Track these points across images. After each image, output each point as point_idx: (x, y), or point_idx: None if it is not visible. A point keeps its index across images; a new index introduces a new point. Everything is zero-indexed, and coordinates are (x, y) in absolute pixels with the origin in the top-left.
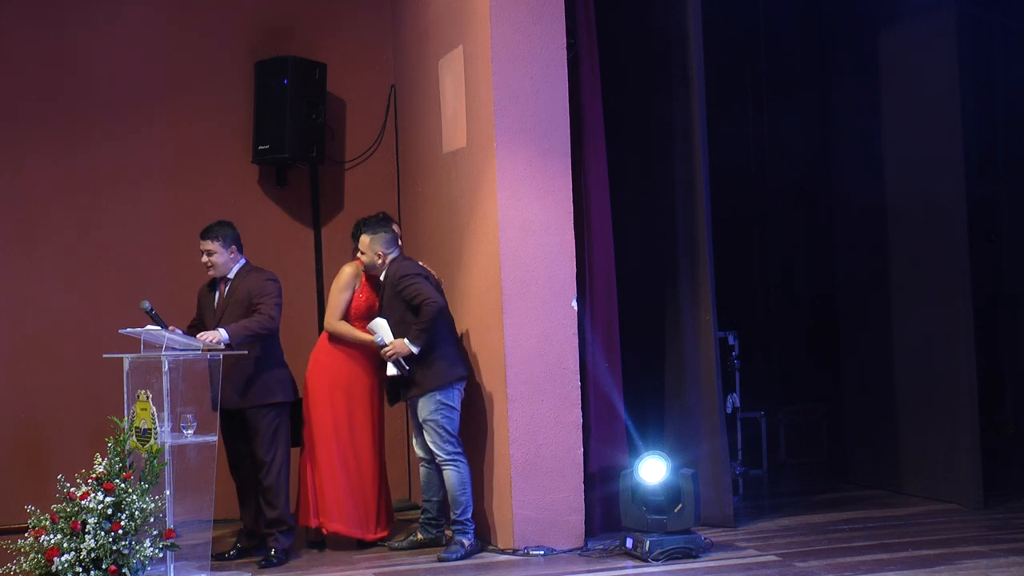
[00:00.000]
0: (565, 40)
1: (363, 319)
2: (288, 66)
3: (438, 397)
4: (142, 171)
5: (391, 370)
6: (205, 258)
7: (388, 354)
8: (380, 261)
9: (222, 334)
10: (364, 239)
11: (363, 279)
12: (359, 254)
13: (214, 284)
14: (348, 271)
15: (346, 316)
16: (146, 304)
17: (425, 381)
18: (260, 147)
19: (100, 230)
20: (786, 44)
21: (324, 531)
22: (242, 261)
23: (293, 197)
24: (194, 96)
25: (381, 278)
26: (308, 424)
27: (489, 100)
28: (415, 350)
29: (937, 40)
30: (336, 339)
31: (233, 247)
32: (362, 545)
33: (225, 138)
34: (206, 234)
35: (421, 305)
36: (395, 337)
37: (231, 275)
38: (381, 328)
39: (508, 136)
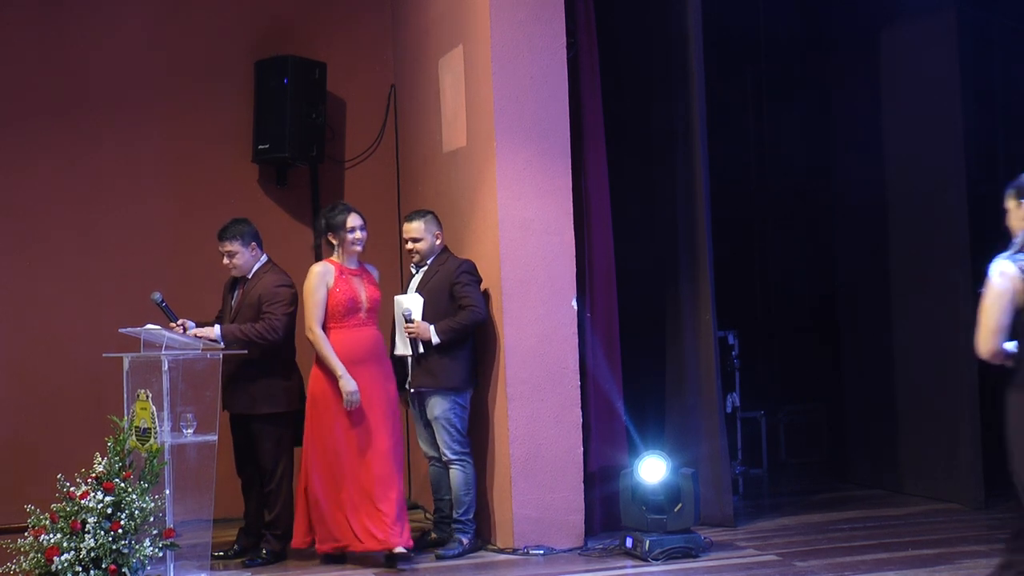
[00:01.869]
0: (565, 40)
1: (345, 316)
2: (288, 66)
3: (453, 396)
4: (142, 170)
5: (400, 349)
6: (227, 260)
7: (409, 331)
8: (439, 241)
9: (214, 332)
10: (416, 225)
11: (336, 274)
12: (412, 243)
13: (235, 282)
14: (316, 270)
15: (326, 317)
16: (157, 295)
17: (446, 378)
18: (260, 146)
19: (100, 229)
20: (786, 44)
21: (337, 552)
22: (263, 259)
23: (293, 196)
24: (194, 95)
25: (428, 262)
26: (313, 438)
27: (489, 100)
28: (436, 341)
29: (937, 40)
30: (332, 343)
31: (253, 244)
32: (391, 560)
33: (225, 137)
34: (224, 234)
35: (467, 308)
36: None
37: (250, 275)
38: (415, 304)
39: (508, 136)
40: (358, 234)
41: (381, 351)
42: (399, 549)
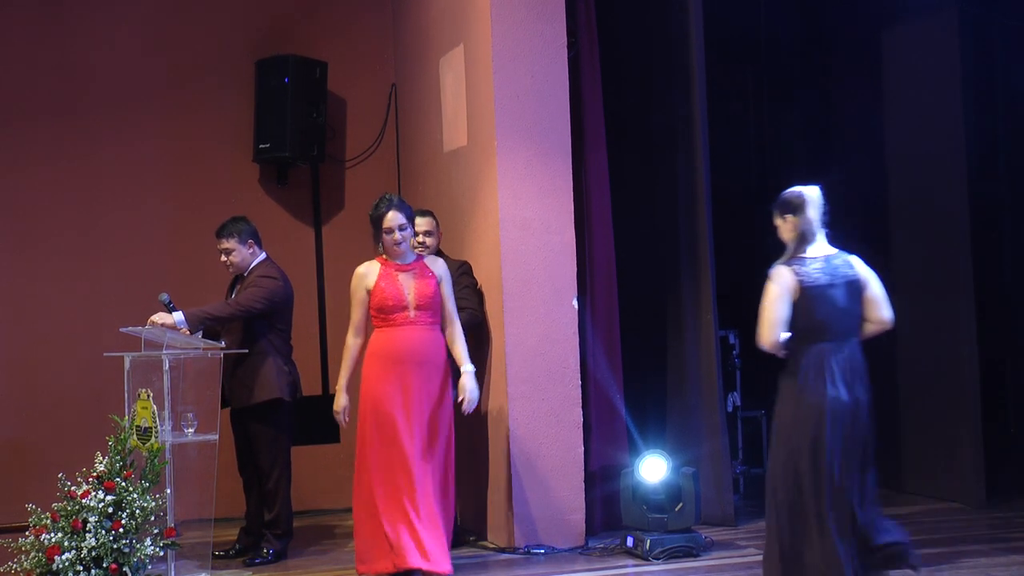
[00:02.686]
0: (566, 39)
1: (389, 313)
2: (289, 65)
3: None
4: (143, 170)
5: None
6: (224, 257)
7: None
8: (439, 240)
9: (176, 317)
10: (429, 220)
11: (379, 272)
12: (424, 237)
13: (236, 280)
14: (357, 272)
15: (368, 314)
16: (164, 296)
17: None
18: (261, 146)
19: (101, 229)
20: (786, 44)
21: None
22: (261, 256)
23: (294, 196)
24: (195, 95)
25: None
26: (378, 441)
27: (490, 99)
28: None
29: (938, 40)
30: (373, 341)
31: (251, 242)
32: None
33: (226, 137)
34: (221, 232)
35: (465, 309)
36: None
37: (247, 273)
38: None
39: (509, 135)
40: (395, 235)
41: (427, 353)
42: None
